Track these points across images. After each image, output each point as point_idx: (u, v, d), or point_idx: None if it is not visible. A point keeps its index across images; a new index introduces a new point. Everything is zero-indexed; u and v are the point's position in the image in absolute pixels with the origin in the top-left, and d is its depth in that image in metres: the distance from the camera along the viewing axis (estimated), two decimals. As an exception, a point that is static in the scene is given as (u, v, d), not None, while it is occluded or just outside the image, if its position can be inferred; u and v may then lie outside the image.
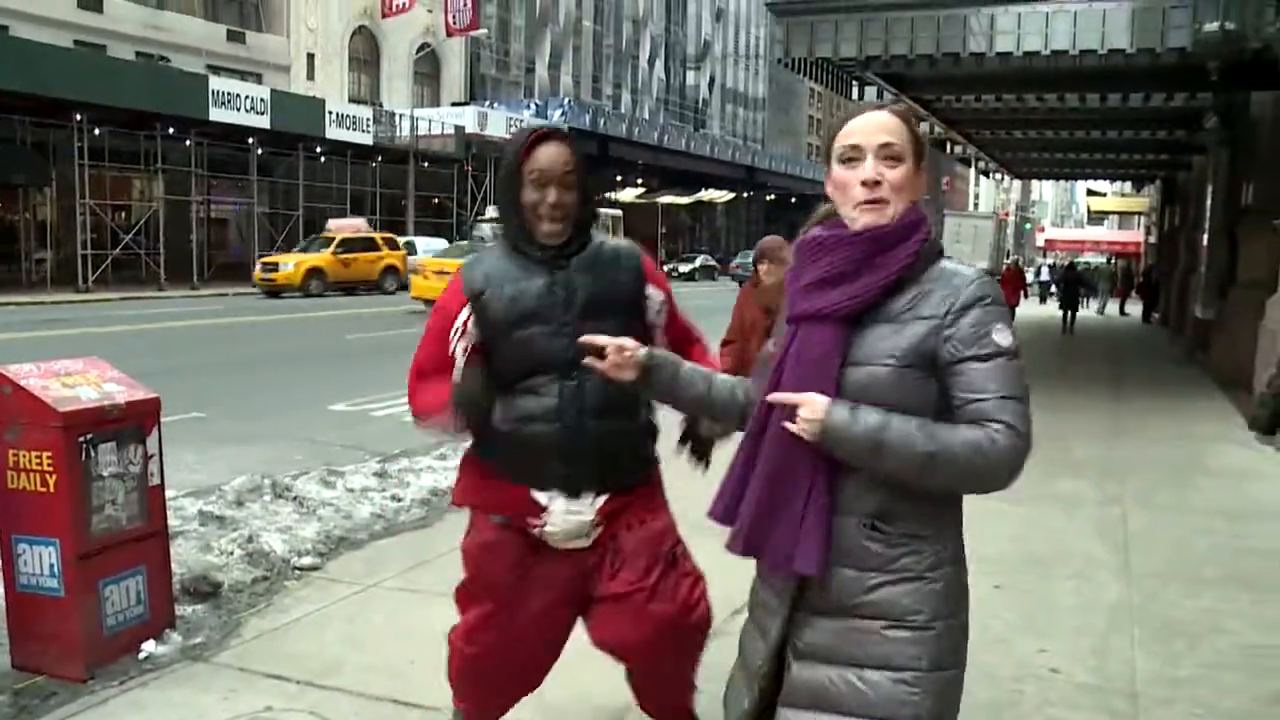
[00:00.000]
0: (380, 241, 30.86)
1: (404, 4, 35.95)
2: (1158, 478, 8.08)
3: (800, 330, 2.00)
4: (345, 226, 30.62)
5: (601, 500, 2.73)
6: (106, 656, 3.94)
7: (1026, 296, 28.79)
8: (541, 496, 2.72)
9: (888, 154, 1.94)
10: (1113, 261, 49.13)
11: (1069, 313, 25.80)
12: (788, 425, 1.92)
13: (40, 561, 3.85)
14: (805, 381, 1.94)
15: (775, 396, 1.95)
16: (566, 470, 2.69)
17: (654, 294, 2.83)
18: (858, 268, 1.94)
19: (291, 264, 28.61)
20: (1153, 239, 42.00)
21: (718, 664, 2.67)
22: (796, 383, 1.96)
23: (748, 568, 2.18)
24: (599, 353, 2.23)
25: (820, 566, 1.93)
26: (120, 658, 3.97)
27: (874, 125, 1.96)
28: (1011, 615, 4.86)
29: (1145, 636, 4.63)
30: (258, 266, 28.95)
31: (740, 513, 2.01)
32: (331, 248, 29.43)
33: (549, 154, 2.64)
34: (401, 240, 34.18)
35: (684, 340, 2.90)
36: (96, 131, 26.96)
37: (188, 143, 29.82)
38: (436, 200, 41.04)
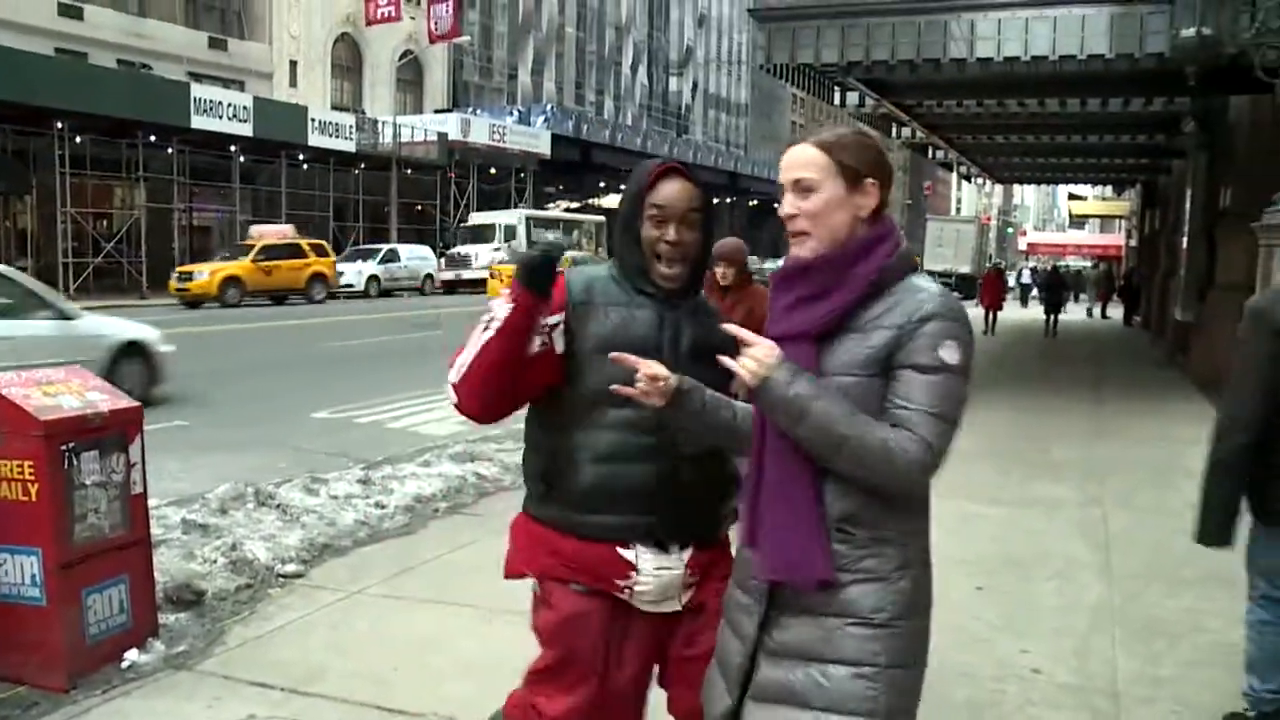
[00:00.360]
0: (307, 248, 29.25)
1: (390, 13, 35.92)
2: (1138, 479, 8.13)
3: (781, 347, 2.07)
4: (269, 233, 29.06)
5: (690, 552, 2.48)
6: (89, 666, 3.93)
7: (1006, 299, 27.99)
8: (628, 553, 2.43)
9: (800, 187, 2.04)
10: (1097, 265, 49.43)
11: (1052, 316, 26.05)
12: (724, 360, 2.04)
13: (22, 571, 3.84)
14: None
15: (729, 327, 2.06)
16: (657, 519, 2.43)
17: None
18: (824, 289, 2.02)
19: (206, 273, 27.17)
20: (1133, 242, 42.27)
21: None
22: None
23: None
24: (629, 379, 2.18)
25: (821, 571, 1.99)
26: (103, 667, 3.96)
27: (789, 161, 2.07)
28: (993, 616, 4.89)
29: (1126, 636, 4.67)
30: (174, 276, 27.64)
31: (762, 543, 2.07)
32: (251, 255, 27.75)
33: (674, 190, 2.46)
34: (385, 248, 34.12)
35: None
36: (78, 139, 26.86)
37: (169, 150, 29.72)
38: (420, 207, 41.00)
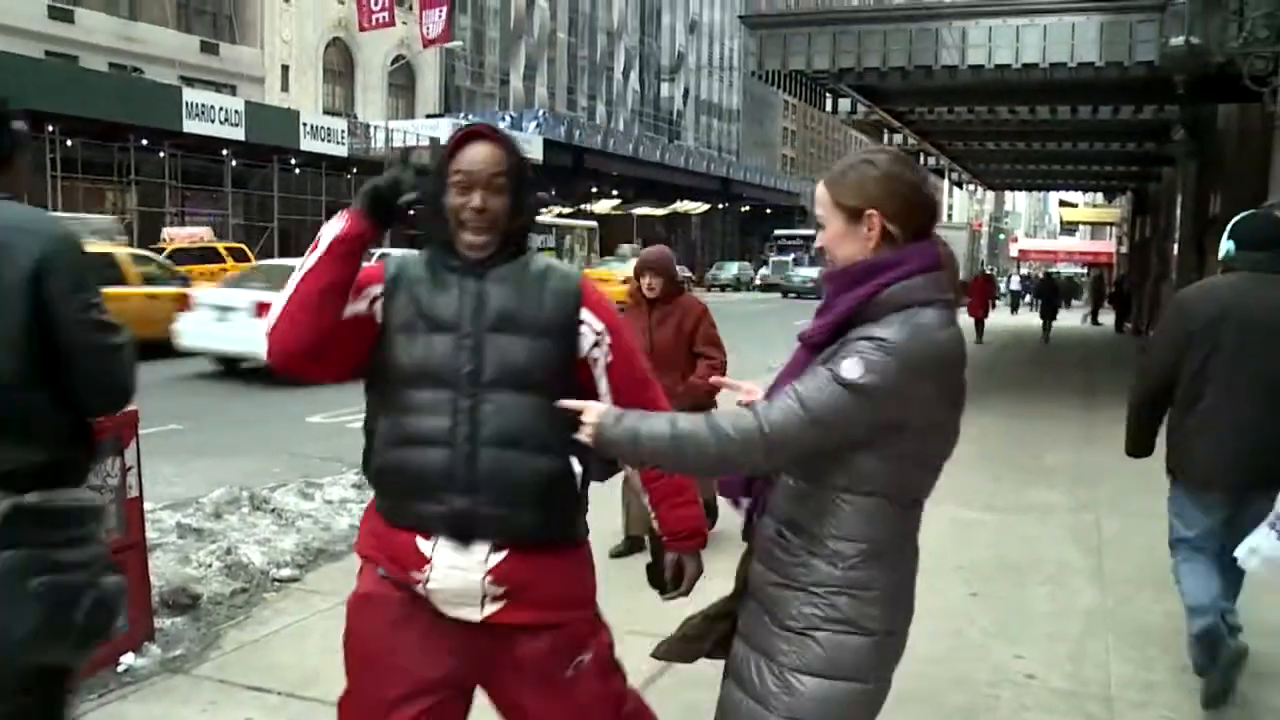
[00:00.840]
0: (224, 253, 26.23)
1: (383, 18, 35.88)
2: (1130, 484, 8.14)
3: (797, 351, 2.25)
4: (181, 235, 26.49)
5: (498, 558, 2.25)
6: (85, 670, 3.92)
7: (995, 307, 27.20)
8: (425, 545, 2.26)
9: (819, 223, 2.23)
10: (1088, 271, 49.63)
11: (1047, 321, 26.29)
12: (577, 436, 2.16)
13: (18, 575, 3.83)
14: (779, 387, 2.15)
15: (561, 403, 2.19)
16: (451, 509, 2.23)
17: (591, 321, 2.38)
18: (827, 305, 2.17)
19: None
20: (1124, 249, 42.44)
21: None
22: (776, 389, 2.15)
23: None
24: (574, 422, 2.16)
25: (736, 497, 2.34)
26: (99, 671, 3.95)
27: (815, 199, 2.27)
28: (987, 622, 4.92)
29: (1119, 641, 4.70)
30: None
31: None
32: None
33: (476, 154, 2.30)
34: (377, 253, 34.00)
35: (637, 387, 2.44)
36: (69, 143, 26.78)
37: (161, 154, 29.65)
38: (412, 212, 41.03)
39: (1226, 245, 4.18)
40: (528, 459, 2.26)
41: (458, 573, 2.24)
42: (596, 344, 2.39)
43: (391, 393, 2.31)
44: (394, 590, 2.32)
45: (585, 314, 2.38)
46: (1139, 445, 4.54)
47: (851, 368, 1.99)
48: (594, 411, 2.13)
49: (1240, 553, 3.53)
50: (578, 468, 2.36)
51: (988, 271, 29.92)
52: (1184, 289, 4.67)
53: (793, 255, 52.88)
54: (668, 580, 2.47)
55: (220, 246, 26.54)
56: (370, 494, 2.46)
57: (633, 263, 6.99)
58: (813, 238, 50.36)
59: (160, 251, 24.45)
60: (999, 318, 34.04)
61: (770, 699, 2.09)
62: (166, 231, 27.24)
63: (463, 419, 2.24)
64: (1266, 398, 3.92)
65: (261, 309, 25.44)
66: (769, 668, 2.11)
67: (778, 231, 60.33)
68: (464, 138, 2.34)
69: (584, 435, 2.12)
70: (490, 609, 2.26)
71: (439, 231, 2.35)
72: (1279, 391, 3.91)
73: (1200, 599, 4.04)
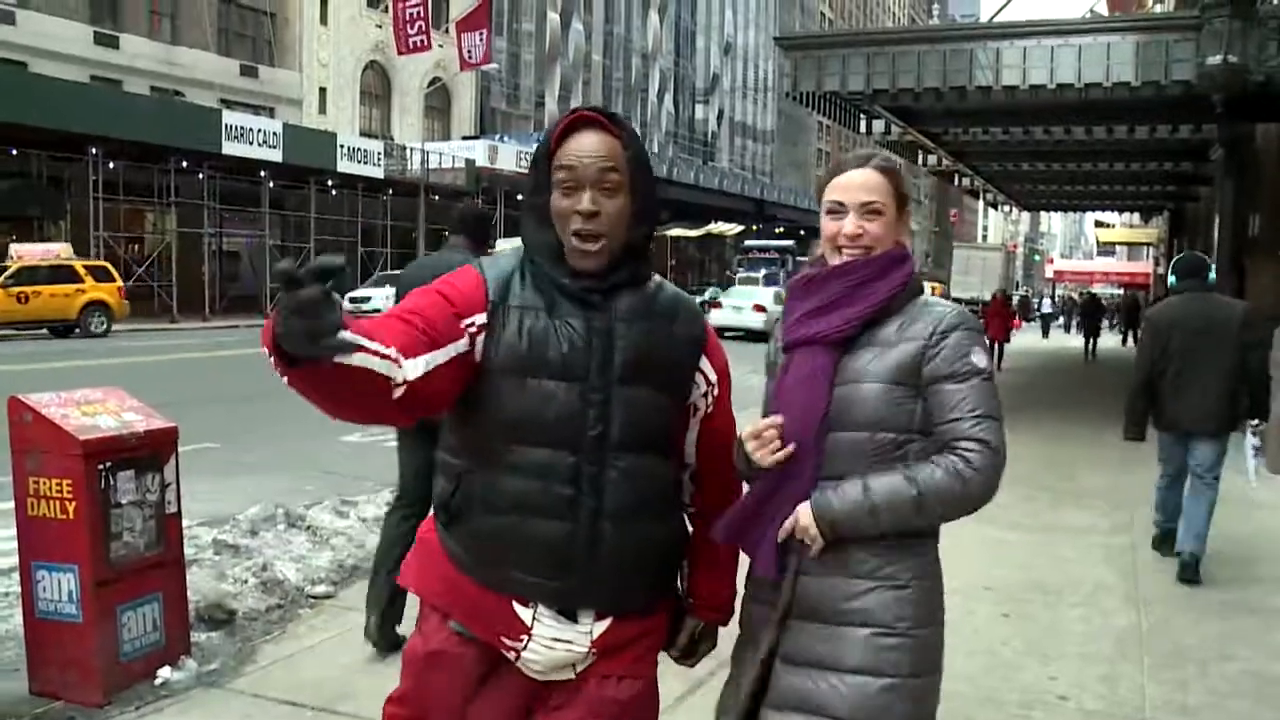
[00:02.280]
0: (83, 271, 23.67)
1: (420, 41, 36.20)
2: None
3: (795, 356, 2.16)
4: (31, 252, 23.47)
5: (603, 626, 2.01)
6: (123, 683, 3.98)
7: (1018, 330, 24.20)
8: (525, 612, 1.98)
9: (869, 209, 2.13)
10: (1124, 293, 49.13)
11: (1091, 340, 27.20)
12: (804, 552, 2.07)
13: (59, 588, 3.90)
14: (798, 397, 2.09)
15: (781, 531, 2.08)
16: (566, 586, 1.96)
17: (706, 369, 2.12)
18: (847, 297, 2.10)
19: None
20: (1161, 270, 41.99)
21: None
22: (791, 401, 2.11)
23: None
24: None
25: (774, 568, 2.10)
26: (136, 684, 4.00)
27: (858, 184, 2.14)
28: (1020, 642, 4.88)
29: (1154, 663, 4.65)
30: None
31: (735, 505, 2.16)
32: (1, 279, 22.24)
33: (585, 145, 1.93)
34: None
35: (723, 449, 2.15)
36: (111, 165, 27.21)
37: (200, 176, 30.05)
38: (447, 233, 41.29)
39: (1171, 278, 6.61)
40: (650, 528, 2.02)
41: (561, 645, 1.99)
42: (705, 394, 2.13)
43: (493, 443, 1.96)
44: (470, 649, 2.04)
45: (704, 361, 2.12)
46: (1133, 430, 6.55)
47: (980, 358, 2.07)
48: (809, 512, 2.03)
49: (1251, 478, 6.54)
50: (688, 525, 2.20)
51: (1009, 292, 26.33)
52: (1150, 309, 7.53)
53: (764, 271, 41.30)
54: (681, 646, 2.21)
55: (78, 265, 23.90)
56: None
57: None
58: (791, 250, 46.07)
59: (1, 271, 22.55)
60: (1028, 340, 33.79)
61: (874, 713, 2.00)
62: (14, 248, 23.72)
63: (587, 488, 1.93)
64: (1203, 374, 6.15)
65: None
66: (869, 680, 2.00)
67: (749, 242, 50.83)
68: (571, 124, 1.97)
69: (814, 544, 2.04)
70: (583, 667, 2.04)
71: (545, 240, 1.98)
72: (1210, 370, 6.13)
73: (1168, 511, 6.59)
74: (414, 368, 1.82)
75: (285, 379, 1.69)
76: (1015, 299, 50.82)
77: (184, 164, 29.05)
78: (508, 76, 51.92)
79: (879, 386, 2.05)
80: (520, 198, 1.98)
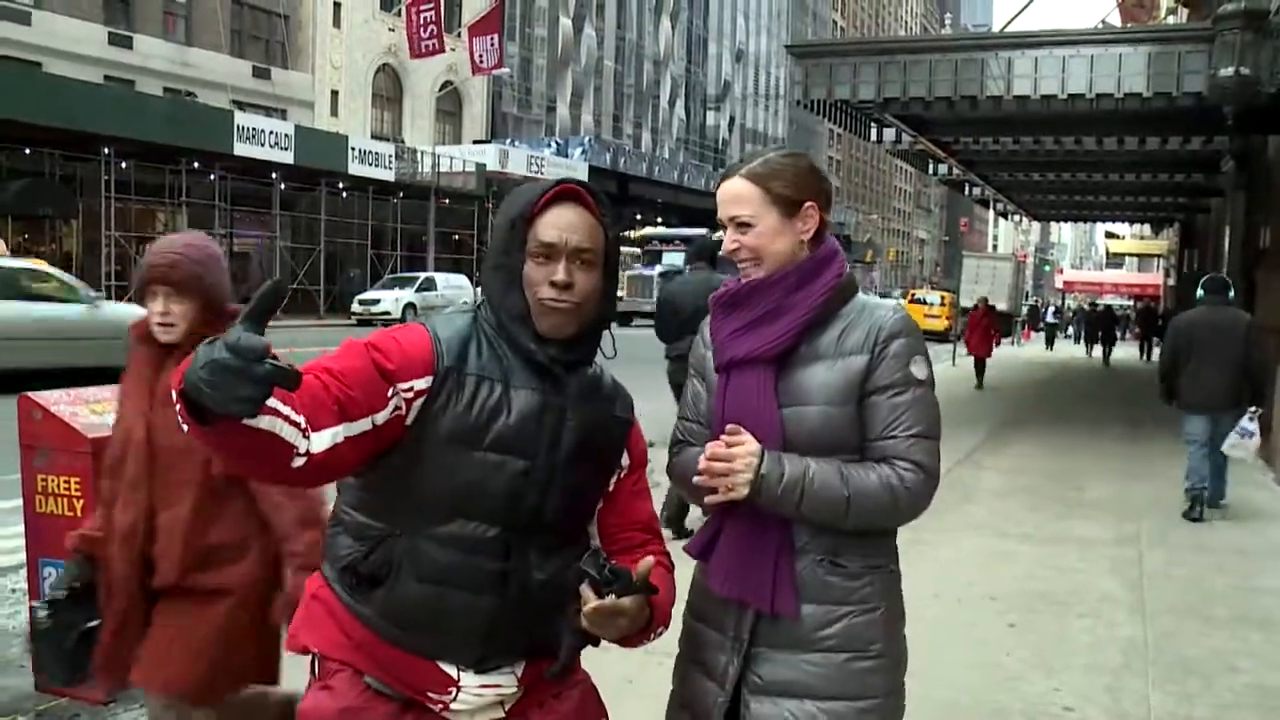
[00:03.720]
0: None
1: (432, 45, 36.28)
2: (1174, 519, 8.06)
3: (731, 378, 2.05)
4: None
5: (521, 668, 1.97)
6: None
7: (998, 344, 20.53)
8: (451, 669, 1.92)
9: (739, 223, 2.04)
10: (1136, 304, 48.94)
11: (1108, 348, 29.39)
12: (710, 500, 1.98)
13: (66, 584, 3.90)
14: (745, 421, 1.98)
15: (715, 451, 1.97)
16: (493, 650, 1.92)
17: (625, 461, 2.07)
18: (772, 312, 2.01)
19: None
20: (1172, 281, 41.91)
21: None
22: (738, 425, 1.99)
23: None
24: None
25: (796, 607, 1.99)
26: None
27: (727, 197, 2.06)
28: (1025, 653, 4.87)
29: (1159, 675, 4.63)
30: None
31: (718, 554, 2.07)
32: None
33: (565, 220, 1.89)
34: (421, 276, 34.22)
35: (641, 527, 2.09)
36: (123, 165, 27.29)
37: (212, 177, 30.12)
38: (457, 237, 41.32)
39: (1200, 291, 8.65)
40: (570, 593, 1.89)
41: (491, 691, 1.95)
42: (618, 481, 2.07)
43: (425, 512, 1.86)
44: (388, 705, 1.92)
45: (625, 456, 2.07)
46: (1167, 395, 8.65)
47: (920, 368, 1.98)
48: (753, 457, 1.93)
49: (1225, 447, 7.93)
50: None
51: (989, 303, 22.22)
52: (1177, 316, 9.67)
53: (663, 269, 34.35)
54: (614, 583, 1.82)
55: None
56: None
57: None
58: (689, 239, 38.90)
59: None
60: (1033, 351, 33.71)
61: None
62: None
63: (517, 563, 1.88)
64: (1217, 367, 8.09)
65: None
66: (852, 705, 1.97)
67: (651, 231, 45.41)
68: (557, 195, 1.91)
69: (733, 489, 1.94)
70: (511, 704, 1.99)
71: (513, 302, 1.89)
72: (1222, 363, 8.06)
73: (1197, 471, 8.15)
74: (320, 441, 1.66)
75: (190, 431, 1.54)
76: (1025, 308, 50.83)
77: (196, 165, 29.13)
78: (519, 81, 52.02)
79: (826, 410, 1.96)
80: (489, 256, 1.97)
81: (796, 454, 1.95)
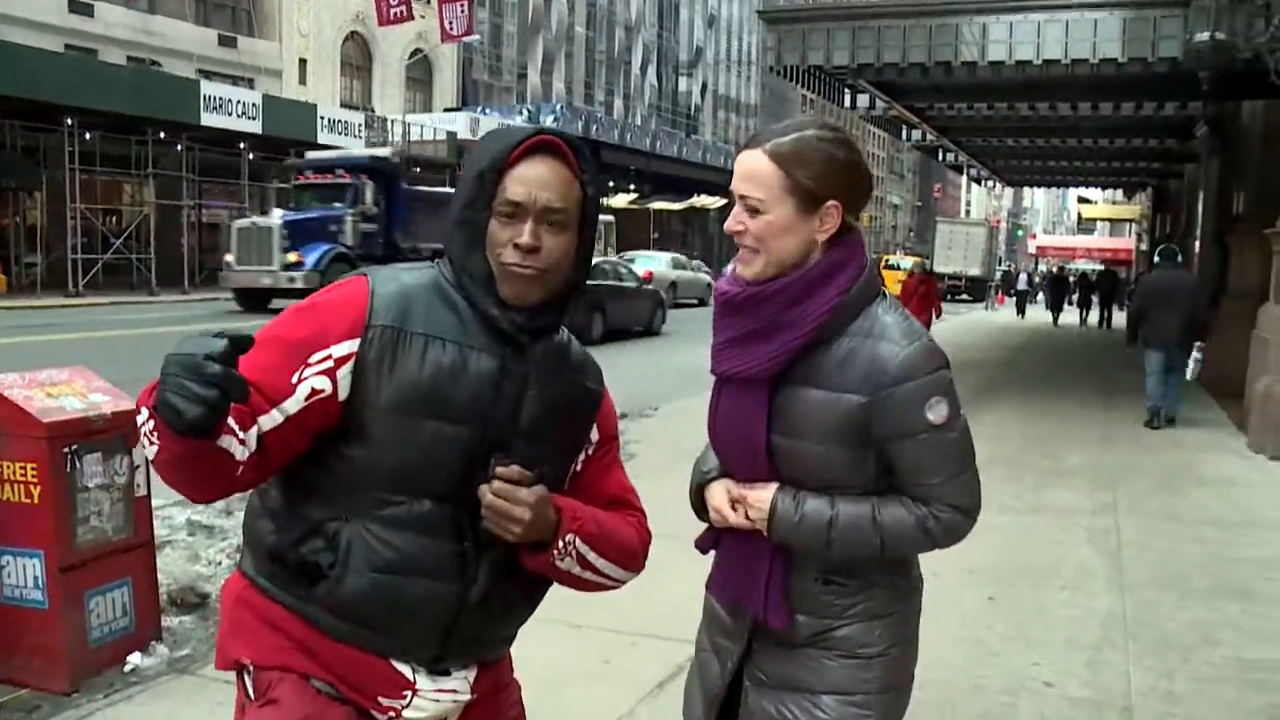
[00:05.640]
0: None
1: (401, 12, 35.81)
2: (1149, 486, 8.07)
3: (724, 391, 1.95)
4: None
5: (474, 672, 1.85)
6: (91, 669, 3.90)
7: (940, 316, 18.20)
8: (405, 668, 1.77)
9: (746, 205, 1.84)
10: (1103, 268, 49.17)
11: (1083, 311, 31.91)
12: (718, 512, 1.94)
13: (24, 573, 3.80)
14: (735, 437, 1.92)
15: (723, 491, 1.95)
16: (451, 647, 1.78)
17: (593, 435, 1.91)
18: (772, 324, 1.83)
19: None
20: (1144, 246, 42.15)
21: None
22: (729, 441, 1.95)
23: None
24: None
25: (788, 621, 1.94)
26: (105, 670, 3.92)
27: (743, 170, 1.86)
28: (1004, 627, 4.85)
29: (1139, 649, 4.61)
30: None
31: (718, 559, 2.05)
32: None
33: (538, 175, 1.70)
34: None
35: (611, 501, 1.93)
36: (87, 136, 26.85)
37: (179, 147, 29.70)
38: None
39: (1156, 258, 12.05)
40: (528, 583, 1.83)
41: (447, 696, 1.81)
42: (587, 458, 1.91)
43: (370, 492, 1.69)
44: (340, 710, 1.76)
45: (595, 430, 1.92)
46: (1130, 337, 11.37)
47: (940, 411, 1.80)
48: (766, 502, 1.87)
49: (1188, 374, 11.03)
50: None
51: (926, 268, 20.03)
52: (1143, 276, 15.42)
53: (316, 213, 24.56)
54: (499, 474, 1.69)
55: None
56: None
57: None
58: (381, 168, 25.71)
59: None
60: (1006, 317, 33.84)
61: None
62: None
63: (470, 544, 1.73)
64: (1169, 314, 10.67)
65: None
66: (842, 699, 1.93)
67: (300, 160, 28.03)
68: (529, 147, 1.72)
69: (747, 522, 1.89)
70: (458, 713, 1.88)
71: (475, 263, 1.73)
72: (1172, 311, 10.66)
73: (1155, 393, 10.90)
74: (252, 440, 1.58)
75: (157, 452, 1.51)
76: (998, 273, 51.00)
77: (162, 135, 28.70)
78: (490, 48, 51.51)
79: (822, 450, 1.84)
80: (453, 208, 1.73)
81: (816, 493, 1.87)
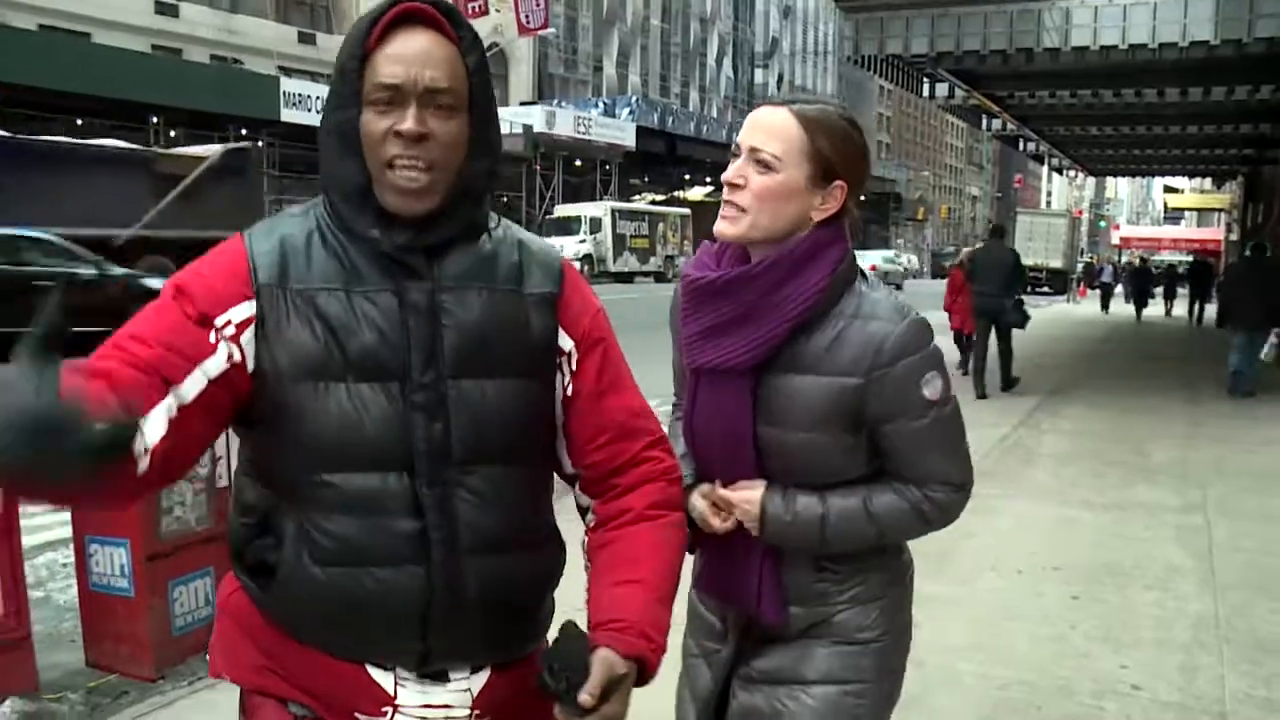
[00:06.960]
0: None
1: (478, 6, 36.11)
2: (1239, 485, 7.82)
3: (702, 385, 1.84)
4: None
5: (483, 679, 1.55)
6: (176, 657, 3.97)
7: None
8: (384, 677, 1.51)
9: (757, 158, 1.72)
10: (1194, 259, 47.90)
11: (1169, 303, 31.09)
12: (701, 516, 1.84)
13: (111, 561, 3.89)
14: (721, 448, 1.84)
15: (708, 495, 1.85)
16: (431, 645, 1.49)
17: (563, 341, 1.56)
18: (753, 309, 1.73)
19: None
20: (1234, 237, 40.92)
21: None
22: (709, 440, 1.86)
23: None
24: None
25: (783, 615, 1.89)
26: (189, 658, 3.99)
27: (758, 124, 1.75)
28: (1089, 627, 4.71)
29: (1233, 653, 4.45)
30: None
31: (705, 553, 1.98)
32: None
33: (412, 48, 1.41)
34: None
35: (619, 431, 1.58)
36: (172, 133, 27.47)
37: (259, 143, 30.27)
38: (505, 199, 41.28)
39: (1247, 252, 14.49)
40: (522, 562, 1.54)
41: (436, 712, 1.53)
42: (561, 370, 1.57)
43: (300, 473, 1.45)
44: None
45: (559, 329, 1.56)
46: (1220, 320, 14.14)
47: (934, 387, 1.75)
48: (754, 504, 1.80)
49: (1262, 355, 11.85)
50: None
51: (969, 263, 13.75)
52: (1232, 264, 18.54)
53: None
54: (571, 688, 1.39)
55: None
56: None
57: None
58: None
59: None
60: (1088, 310, 33.09)
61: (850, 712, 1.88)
62: None
63: (434, 518, 1.45)
64: (1254, 299, 12.02)
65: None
66: (836, 689, 1.87)
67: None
68: (395, 17, 1.43)
69: (736, 524, 1.82)
70: None
71: (347, 173, 1.45)
72: (1258, 297, 11.94)
73: (1235, 362, 12.26)
74: (154, 428, 1.28)
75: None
76: (1080, 266, 49.90)
77: (243, 131, 29.24)
78: (565, 41, 51.72)
79: (811, 438, 1.76)
80: (321, 119, 1.49)
81: (805, 489, 1.80)
